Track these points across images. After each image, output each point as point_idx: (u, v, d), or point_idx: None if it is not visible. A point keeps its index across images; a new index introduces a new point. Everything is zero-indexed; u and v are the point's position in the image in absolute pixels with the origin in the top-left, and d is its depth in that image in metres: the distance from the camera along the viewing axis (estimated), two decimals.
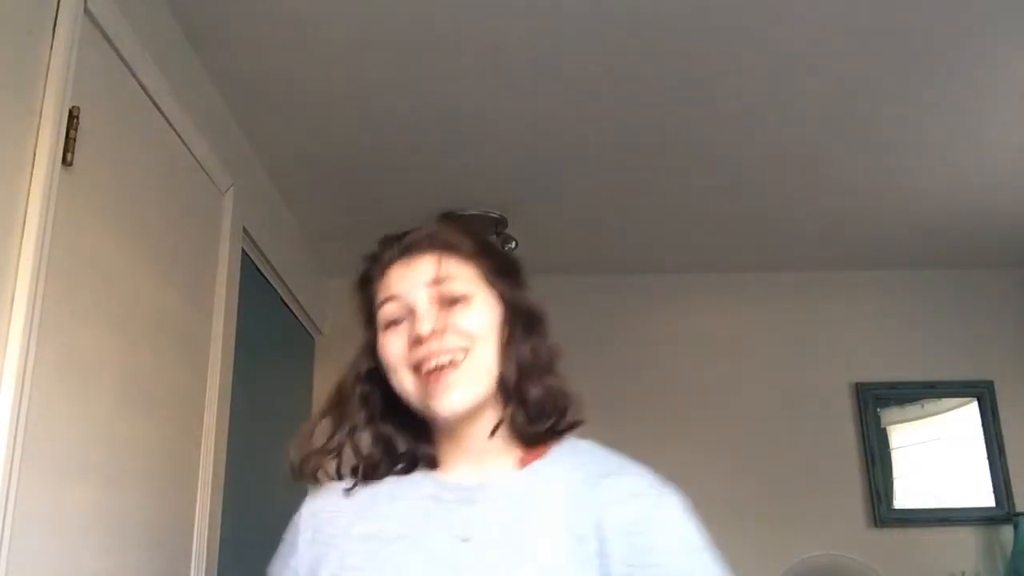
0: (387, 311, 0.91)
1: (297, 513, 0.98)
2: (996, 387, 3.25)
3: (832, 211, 2.85)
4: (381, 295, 0.92)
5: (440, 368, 0.86)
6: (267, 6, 1.72)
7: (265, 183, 2.50)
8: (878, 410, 3.25)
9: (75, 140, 1.28)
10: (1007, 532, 3.05)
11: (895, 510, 3.13)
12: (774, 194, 2.71)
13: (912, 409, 3.28)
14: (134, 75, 1.53)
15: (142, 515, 1.58)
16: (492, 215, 2.75)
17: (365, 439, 0.94)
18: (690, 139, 2.33)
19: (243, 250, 2.23)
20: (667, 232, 3.03)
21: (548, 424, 0.89)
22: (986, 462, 3.17)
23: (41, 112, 1.23)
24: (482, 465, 0.89)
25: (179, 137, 1.75)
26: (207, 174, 1.93)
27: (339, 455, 0.94)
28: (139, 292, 1.57)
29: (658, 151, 2.41)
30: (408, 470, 0.93)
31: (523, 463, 0.89)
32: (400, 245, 0.93)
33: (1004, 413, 3.22)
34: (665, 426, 3.14)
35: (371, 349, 0.94)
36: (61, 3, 1.27)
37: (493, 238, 2.83)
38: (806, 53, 1.92)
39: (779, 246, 3.17)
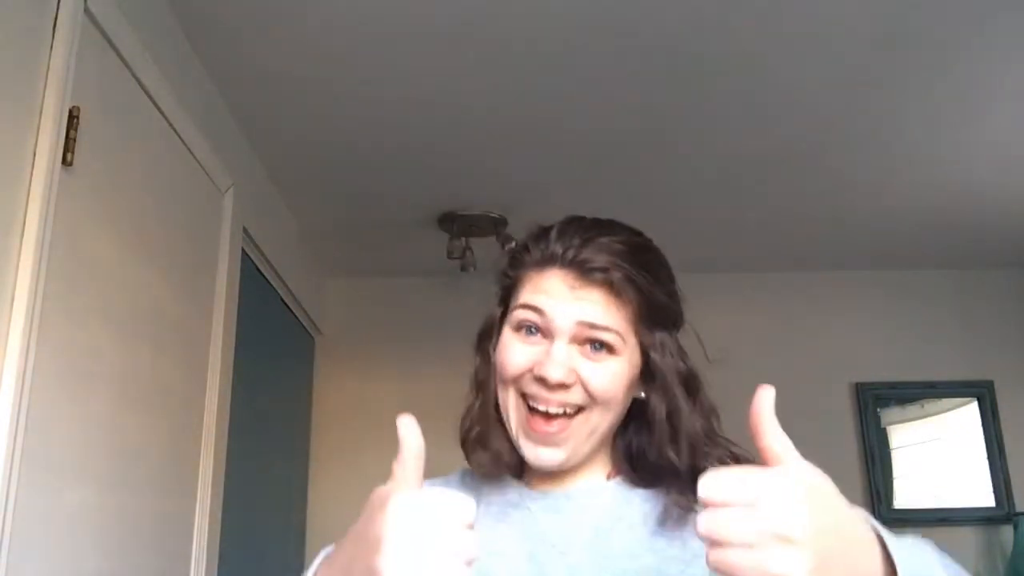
0: (525, 316, 0.81)
1: None
2: (996, 387, 3.25)
3: (832, 211, 2.85)
4: (527, 295, 0.81)
5: (548, 417, 0.79)
6: (267, 6, 1.72)
7: (265, 183, 2.50)
8: (878, 410, 3.25)
9: (75, 140, 1.28)
10: (1007, 532, 3.05)
11: (895, 510, 3.13)
12: (774, 194, 2.71)
13: (912, 409, 3.28)
14: (134, 75, 1.53)
15: (142, 515, 1.58)
16: (492, 215, 2.75)
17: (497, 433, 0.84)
18: (690, 139, 2.33)
19: (243, 250, 2.23)
20: (667, 232, 3.00)
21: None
22: (986, 462, 3.17)
23: (41, 112, 1.23)
24: (571, 477, 0.84)
25: (179, 137, 1.75)
26: (207, 174, 1.93)
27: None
28: (139, 292, 1.57)
29: (658, 151, 2.41)
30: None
31: (610, 476, 0.85)
32: (574, 254, 0.81)
33: (1004, 413, 3.22)
34: None
35: (490, 332, 0.86)
36: (61, 3, 1.27)
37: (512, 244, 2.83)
38: (806, 53, 1.92)
39: (779, 246, 3.17)
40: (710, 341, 3.54)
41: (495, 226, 2.79)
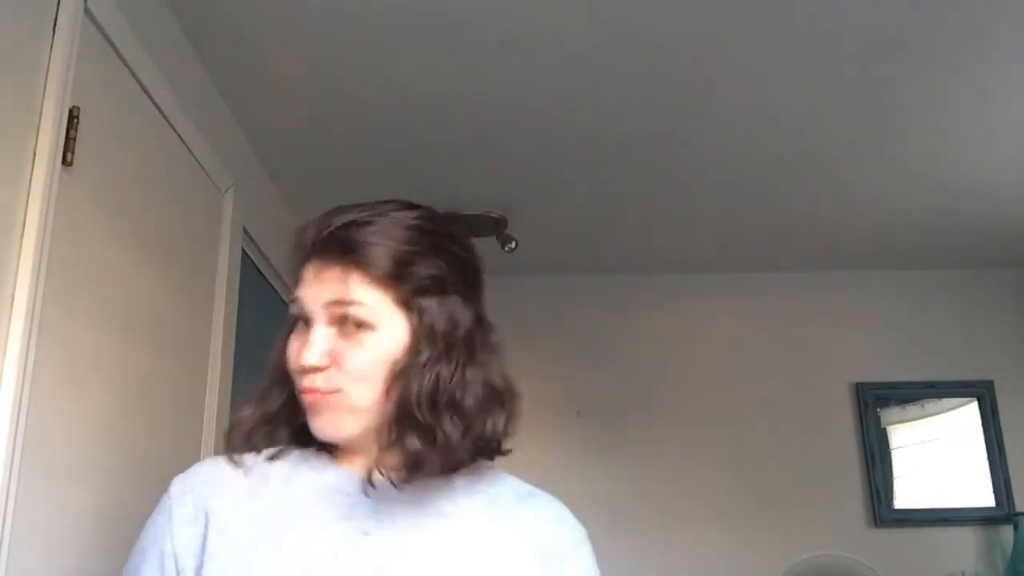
0: (293, 310, 0.85)
1: (165, 493, 0.88)
2: (996, 387, 3.25)
3: (833, 211, 2.85)
4: (293, 289, 0.86)
5: (316, 393, 0.81)
6: (267, 5, 1.72)
7: (265, 183, 2.50)
8: (878, 410, 3.25)
9: (75, 140, 1.28)
10: (1007, 532, 3.05)
11: (895, 510, 3.13)
12: (774, 194, 2.71)
13: (912, 409, 3.28)
14: (134, 75, 1.53)
15: (142, 516, 1.57)
16: (492, 215, 2.75)
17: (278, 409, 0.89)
18: (690, 140, 2.34)
19: (243, 250, 2.23)
20: (667, 232, 3.03)
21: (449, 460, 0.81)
22: (986, 462, 3.17)
23: (41, 112, 1.23)
24: (352, 462, 0.86)
25: (179, 137, 1.75)
26: (207, 174, 1.93)
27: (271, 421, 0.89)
28: (139, 292, 1.57)
29: (658, 151, 2.41)
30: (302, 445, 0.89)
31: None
32: (315, 239, 0.83)
33: (1004, 413, 3.22)
34: (665, 425, 3.14)
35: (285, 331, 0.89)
36: (61, 3, 1.27)
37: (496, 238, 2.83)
38: (806, 53, 1.92)
39: (779, 246, 3.17)
40: (710, 341, 3.56)
41: (495, 226, 2.79)
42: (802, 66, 1.97)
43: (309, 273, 0.83)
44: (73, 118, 1.28)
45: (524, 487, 0.90)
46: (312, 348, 0.80)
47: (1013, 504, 3.10)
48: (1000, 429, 3.20)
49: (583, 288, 3.34)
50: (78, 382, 1.33)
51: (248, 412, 0.89)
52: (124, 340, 1.50)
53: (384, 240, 0.81)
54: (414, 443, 0.79)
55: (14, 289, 1.15)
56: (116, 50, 1.46)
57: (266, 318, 2.63)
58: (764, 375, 3.26)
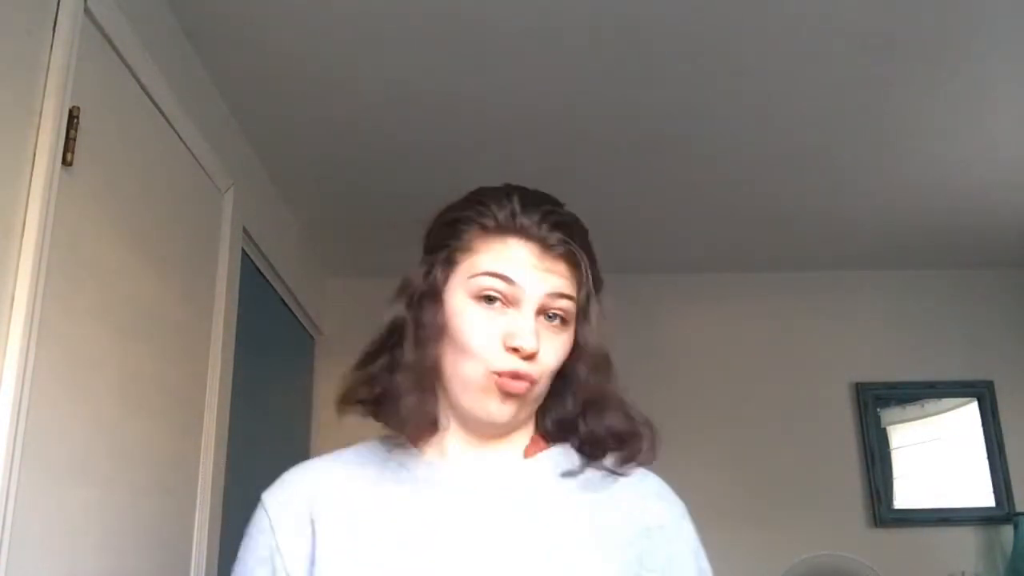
0: (491, 284, 0.81)
1: (261, 510, 0.85)
2: (996, 387, 3.25)
3: (832, 211, 2.85)
4: (490, 262, 0.81)
5: (521, 379, 0.80)
6: (267, 5, 1.72)
7: (265, 183, 2.51)
8: (878, 410, 3.25)
9: (75, 140, 1.28)
10: (1007, 532, 3.05)
11: (895, 510, 3.13)
12: (774, 194, 2.71)
13: (912, 409, 3.28)
14: (134, 75, 1.53)
15: (142, 515, 1.58)
16: None
17: (410, 397, 0.83)
18: (690, 140, 2.33)
19: (243, 250, 2.23)
20: (668, 232, 3.03)
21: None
22: (986, 462, 3.17)
23: (41, 112, 1.23)
24: (486, 451, 0.86)
25: (179, 137, 1.75)
26: (207, 174, 1.93)
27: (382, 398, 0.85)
28: (139, 292, 1.57)
29: (658, 151, 2.41)
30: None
31: (529, 451, 0.87)
32: (542, 223, 0.82)
33: (1004, 413, 3.22)
34: (665, 425, 3.13)
35: (434, 293, 0.85)
36: (61, 3, 1.27)
37: None
38: (807, 53, 1.92)
39: (779, 246, 3.17)
40: (711, 340, 3.56)
41: None
42: (802, 66, 1.97)
43: (523, 254, 0.82)
44: (73, 118, 1.28)
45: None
46: (532, 334, 0.79)
47: (1013, 504, 3.10)
48: (1000, 429, 3.20)
49: None
50: (78, 382, 1.33)
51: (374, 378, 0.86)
52: (124, 340, 1.50)
53: (589, 246, 0.87)
54: (576, 440, 0.86)
55: (14, 289, 1.15)
56: (116, 50, 1.46)
57: (266, 318, 2.63)
58: (764, 375, 3.26)
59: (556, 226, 0.83)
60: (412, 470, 0.85)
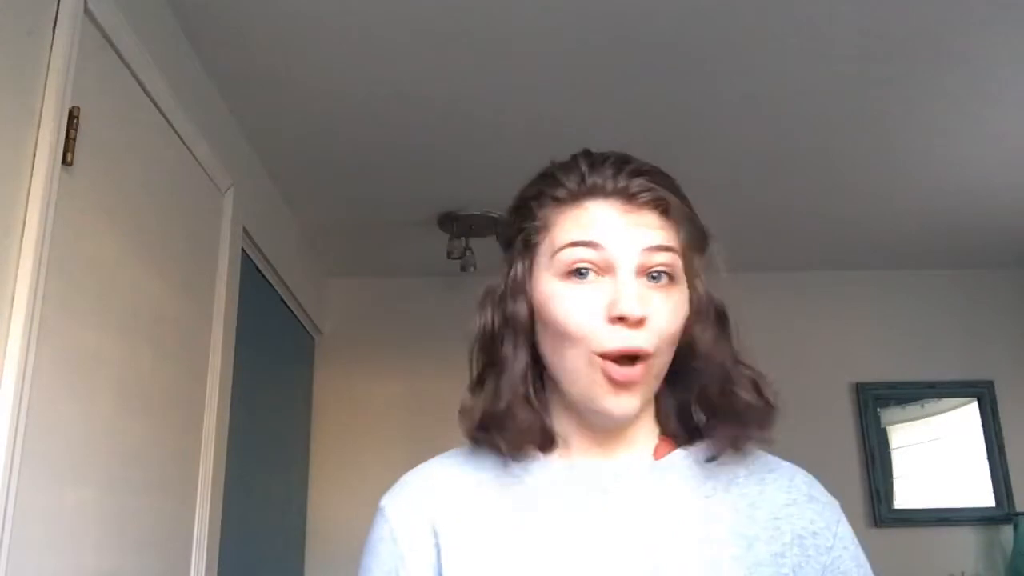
0: (577, 256, 0.70)
1: (381, 518, 0.77)
2: (996, 387, 3.25)
3: (832, 211, 2.85)
4: (573, 231, 0.71)
5: (633, 359, 0.69)
6: (267, 6, 1.72)
7: (265, 183, 2.51)
8: (878, 410, 3.25)
9: (75, 140, 1.28)
10: (1007, 532, 3.05)
11: (895, 510, 3.13)
12: (774, 194, 2.71)
13: (912, 409, 3.28)
14: (134, 75, 1.53)
15: (142, 515, 1.58)
16: (492, 215, 2.75)
17: (522, 406, 0.74)
18: (690, 139, 2.33)
19: (243, 250, 2.24)
20: None
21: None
22: (986, 462, 3.17)
23: (41, 112, 1.23)
24: (614, 449, 0.76)
25: (179, 137, 1.75)
26: (207, 174, 1.93)
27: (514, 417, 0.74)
28: (139, 292, 1.57)
29: (657, 151, 2.39)
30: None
31: (658, 452, 0.77)
32: (618, 175, 0.72)
33: (1004, 413, 3.22)
34: None
35: (517, 287, 0.75)
36: (61, 3, 1.27)
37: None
38: (807, 53, 1.92)
39: (779, 246, 3.17)
40: None
41: (495, 226, 2.79)
42: (802, 66, 1.97)
43: (604, 213, 0.71)
44: (73, 118, 1.28)
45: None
46: (635, 298, 0.68)
47: (1013, 504, 3.10)
48: (1000, 429, 3.20)
49: None
50: (78, 382, 1.33)
51: (494, 401, 0.74)
52: (124, 340, 1.50)
53: (680, 192, 0.76)
54: (724, 428, 0.75)
55: (14, 289, 1.15)
56: (116, 50, 1.46)
57: (266, 318, 2.63)
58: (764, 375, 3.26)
59: (634, 174, 0.73)
60: (535, 474, 0.75)
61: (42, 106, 1.23)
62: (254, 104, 2.12)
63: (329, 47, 1.87)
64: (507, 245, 0.80)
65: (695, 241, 0.76)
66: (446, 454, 0.82)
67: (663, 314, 0.70)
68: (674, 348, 0.73)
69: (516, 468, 0.76)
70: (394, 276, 3.37)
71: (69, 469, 1.30)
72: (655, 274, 0.71)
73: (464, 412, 0.77)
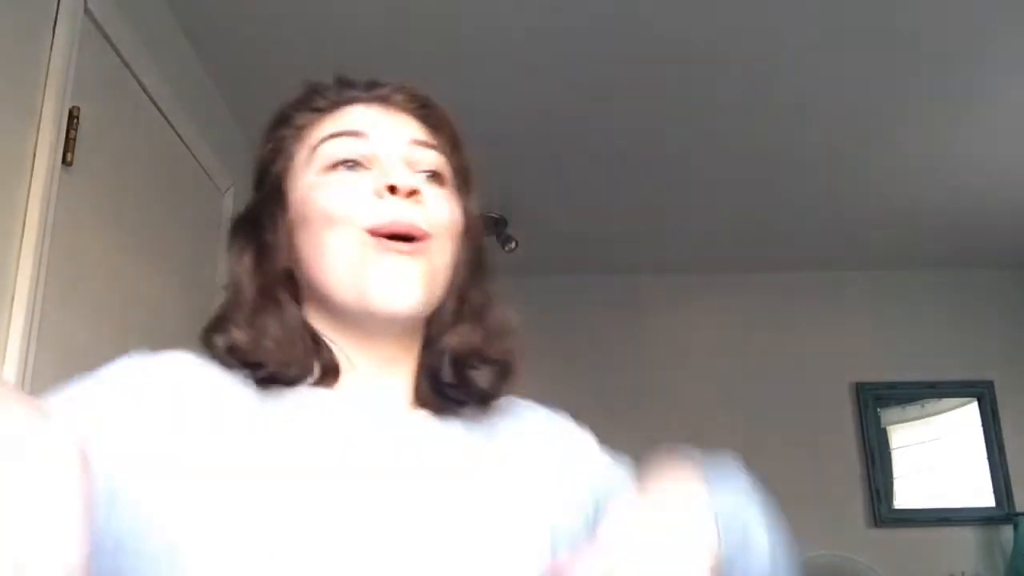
0: (339, 147, 0.64)
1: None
2: (996, 387, 3.25)
3: (832, 211, 2.85)
4: (330, 128, 0.66)
5: (408, 239, 0.60)
6: (267, 6, 1.72)
7: None
8: (878, 410, 3.25)
9: (75, 140, 1.28)
10: (1007, 532, 3.05)
11: (895, 510, 3.13)
12: (774, 194, 2.71)
13: (912, 409, 3.28)
14: (134, 75, 1.53)
15: None
16: (492, 215, 2.75)
17: (273, 325, 0.61)
18: (690, 141, 2.34)
19: None
20: (667, 232, 3.03)
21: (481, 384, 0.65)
22: (986, 462, 3.17)
23: (41, 112, 1.23)
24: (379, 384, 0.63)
25: (179, 137, 1.76)
26: (207, 174, 1.93)
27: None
28: (139, 291, 1.57)
29: (658, 152, 2.41)
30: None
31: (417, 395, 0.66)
32: (368, 87, 0.71)
33: (1004, 413, 3.22)
34: (664, 425, 3.14)
35: (273, 194, 0.66)
36: (61, 3, 1.27)
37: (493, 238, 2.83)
38: (807, 54, 1.92)
39: (779, 246, 3.17)
40: (710, 341, 3.55)
41: (495, 226, 2.79)
42: (803, 68, 1.97)
43: (366, 112, 0.68)
44: (73, 118, 1.28)
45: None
46: (401, 170, 0.62)
47: (1013, 504, 3.10)
48: (1000, 429, 3.20)
49: (582, 288, 3.34)
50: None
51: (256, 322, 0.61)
52: (124, 339, 1.50)
53: (451, 118, 0.71)
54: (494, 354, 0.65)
55: (14, 289, 1.15)
56: (116, 50, 1.46)
57: None
58: (764, 375, 3.26)
59: (398, 88, 0.70)
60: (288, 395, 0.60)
61: (42, 106, 1.23)
62: (254, 104, 2.11)
63: (329, 47, 1.87)
64: (259, 170, 0.70)
65: (463, 173, 0.71)
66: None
67: (438, 200, 0.63)
68: (453, 250, 0.64)
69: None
70: None
71: None
72: (423, 173, 0.65)
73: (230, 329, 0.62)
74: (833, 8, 1.75)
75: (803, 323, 3.36)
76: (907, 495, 3.17)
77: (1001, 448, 3.17)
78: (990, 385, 3.25)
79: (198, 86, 1.91)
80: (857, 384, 3.26)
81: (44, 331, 1.19)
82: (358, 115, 0.68)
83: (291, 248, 0.64)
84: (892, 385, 3.26)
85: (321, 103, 0.70)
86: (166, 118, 1.68)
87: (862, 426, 3.21)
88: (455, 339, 0.65)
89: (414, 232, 0.60)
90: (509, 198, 2.69)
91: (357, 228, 0.60)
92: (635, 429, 3.26)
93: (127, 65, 1.50)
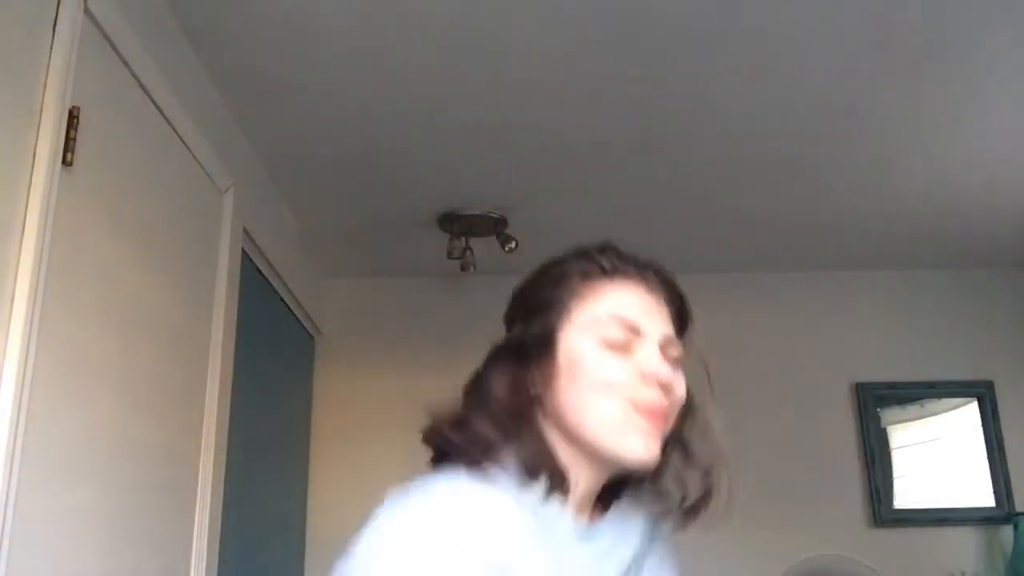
0: (616, 332, 0.81)
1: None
2: (996, 387, 3.24)
3: (832, 211, 2.85)
4: (613, 310, 0.82)
5: (661, 415, 0.81)
6: (267, 6, 1.72)
7: (265, 183, 2.51)
8: (878, 410, 3.25)
9: (75, 140, 1.28)
10: (1007, 532, 3.05)
11: (895, 510, 3.13)
12: (774, 194, 2.71)
13: (912, 409, 3.28)
14: (134, 75, 1.53)
15: (142, 515, 1.58)
16: (492, 215, 2.75)
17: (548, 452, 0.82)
18: (690, 139, 2.33)
19: (243, 250, 2.23)
20: (667, 232, 3.03)
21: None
22: (986, 462, 3.17)
23: (41, 112, 1.23)
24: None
25: (179, 137, 1.76)
26: (207, 174, 1.93)
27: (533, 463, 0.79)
28: (139, 292, 1.57)
29: (658, 151, 2.41)
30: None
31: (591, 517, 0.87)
32: (640, 267, 0.87)
33: (1004, 413, 3.22)
34: None
35: (547, 340, 0.83)
36: (61, 3, 1.27)
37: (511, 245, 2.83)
38: (806, 53, 1.92)
39: (779, 246, 3.17)
40: (710, 341, 3.54)
41: (495, 226, 2.79)
42: (801, 66, 1.97)
43: (638, 301, 0.84)
44: (73, 118, 1.28)
45: None
46: (662, 366, 0.81)
47: (1013, 504, 3.10)
48: (1000, 429, 3.20)
49: None
50: (78, 382, 1.33)
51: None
52: (124, 340, 1.50)
53: (688, 300, 0.91)
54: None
55: (14, 289, 1.15)
56: (116, 50, 1.46)
57: (266, 318, 2.63)
58: (764, 375, 3.26)
59: (660, 276, 0.88)
60: (555, 527, 0.78)
61: (42, 106, 1.23)
62: (254, 104, 2.12)
63: (329, 47, 1.87)
64: (530, 312, 0.87)
65: (690, 340, 0.90)
66: (479, 482, 0.76)
67: (679, 384, 0.84)
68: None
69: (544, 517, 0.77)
70: (394, 276, 3.37)
71: (69, 469, 1.30)
72: (667, 359, 0.83)
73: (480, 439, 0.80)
74: (831, 9, 1.75)
75: (803, 323, 3.36)
76: (907, 495, 3.17)
77: (1001, 448, 3.17)
78: (990, 385, 3.25)
79: (198, 86, 1.91)
80: (857, 384, 3.26)
81: (44, 331, 1.19)
82: (632, 301, 0.84)
83: (549, 387, 0.82)
84: (892, 385, 3.26)
85: (596, 270, 0.86)
86: (166, 118, 1.68)
87: (862, 426, 3.21)
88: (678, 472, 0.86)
89: (664, 413, 0.81)
90: (509, 198, 2.69)
91: (623, 398, 0.79)
92: None
93: (127, 65, 1.50)
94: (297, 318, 2.98)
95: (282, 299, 2.78)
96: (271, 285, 2.65)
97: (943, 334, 3.33)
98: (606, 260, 0.86)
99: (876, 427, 3.22)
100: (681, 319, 0.90)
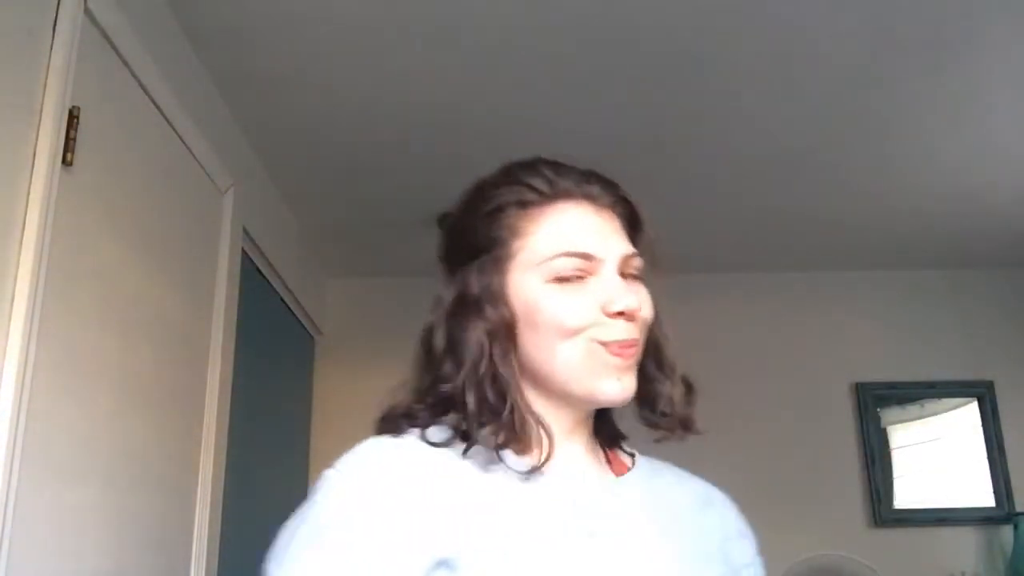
0: (566, 264, 0.74)
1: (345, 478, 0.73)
2: (996, 387, 3.25)
3: (832, 211, 2.85)
4: (558, 243, 0.75)
5: (632, 346, 0.74)
6: (267, 6, 1.72)
7: (265, 183, 2.51)
8: (878, 410, 3.25)
9: (75, 140, 1.28)
10: (1007, 532, 3.05)
11: (895, 510, 3.13)
12: (774, 194, 2.71)
13: (912, 409, 3.28)
14: (134, 75, 1.53)
15: (142, 515, 1.58)
16: None
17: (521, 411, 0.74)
18: (690, 140, 2.34)
19: (243, 250, 2.23)
20: (666, 232, 3.02)
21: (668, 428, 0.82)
22: (986, 462, 3.17)
23: (41, 112, 1.23)
24: (573, 461, 0.78)
25: (179, 137, 1.76)
26: (207, 174, 1.93)
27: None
28: (139, 292, 1.57)
29: (658, 151, 2.41)
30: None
31: (617, 471, 0.82)
32: (577, 182, 0.80)
33: (1004, 413, 3.22)
34: None
35: (497, 294, 0.75)
36: (61, 3, 1.27)
37: None
38: (805, 54, 1.92)
39: (779, 246, 3.17)
40: (710, 341, 3.56)
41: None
42: (801, 67, 1.97)
43: (583, 221, 0.77)
44: (73, 118, 1.28)
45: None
46: (629, 292, 0.74)
47: (1013, 504, 3.10)
48: (1000, 429, 3.20)
49: None
50: (78, 382, 1.33)
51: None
52: (124, 340, 1.50)
53: (640, 206, 0.85)
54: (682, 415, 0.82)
55: (14, 289, 1.15)
56: (116, 50, 1.46)
57: (266, 318, 2.63)
58: (764, 375, 3.26)
59: (604, 186, 0.82)
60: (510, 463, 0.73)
61: (42, 106, 1.23)
62: (254, 104, 2.12)
63: (329, 47, 1.87)
64: (469, 253, 0.79)
65: (646, 243, 0.84)
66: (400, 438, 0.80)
67: (644, 303, 0.77)
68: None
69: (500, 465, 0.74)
70: (394, 276, 3.36)
71: (69, 469, 1.30)
72: (628, 277, 0.77)
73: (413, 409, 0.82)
74: (831, 10, 1.75)
75: (803, 323, 3.36)
76: (907, 495, 3.17)
77: (1001, 448, 3.17)
78: (990, 385, 3.25)
79: (198, 86, 1.91)
80: (857, 384, 3.26)
81: (44, 331, 1.19)
82: (578, 225, 0.76)
83: (511, 339, 0.75)
84: (892, 385, 3.26)
85: (532, 197, 0.78)
86: (166, 118, 1.68)
87: (862, 426, 3.21)
88: (664, 391, 0.82)
89: (634, 343, 0.75)
90: None
91: (587, 339, 0.73)
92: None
93: (127, 65, 1.50)
94: (297, 318, 2.98)
95: (282, 299, 2.78)
96: (271, 285, 2.64)
97: (943, 334, 3.33)
98: (541, 182, 0.78)
99: (876, 427, 3.22)
100: (632, 224, 0.83)
